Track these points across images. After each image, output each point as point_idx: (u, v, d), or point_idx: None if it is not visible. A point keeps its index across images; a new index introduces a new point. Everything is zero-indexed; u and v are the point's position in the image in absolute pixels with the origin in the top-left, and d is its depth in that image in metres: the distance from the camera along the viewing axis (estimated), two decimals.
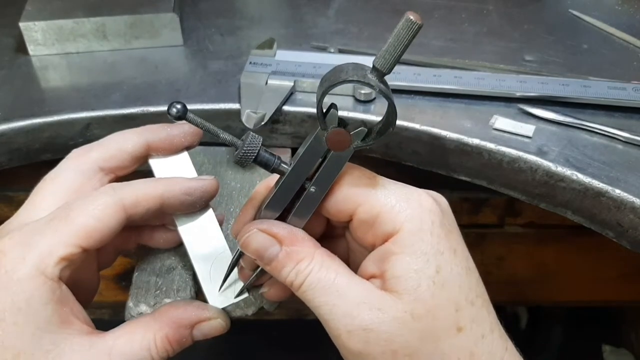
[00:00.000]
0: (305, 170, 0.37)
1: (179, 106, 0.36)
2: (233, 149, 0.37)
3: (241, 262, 0.42)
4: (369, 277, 0.37)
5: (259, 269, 0.41)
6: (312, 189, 0.37)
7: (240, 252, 0.41)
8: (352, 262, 0.41)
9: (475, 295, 0.36)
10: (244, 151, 0.37)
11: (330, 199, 0.38)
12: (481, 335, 0.36)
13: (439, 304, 0.35)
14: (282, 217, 0.39)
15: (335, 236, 0.42)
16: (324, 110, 0.36)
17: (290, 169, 0.37)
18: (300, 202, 0.38)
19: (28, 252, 0.36)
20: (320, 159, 0.37)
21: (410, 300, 0.35)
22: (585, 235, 0.68)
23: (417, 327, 0.35)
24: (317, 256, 0.37)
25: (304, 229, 0.39)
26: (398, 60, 0.33)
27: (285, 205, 0.38)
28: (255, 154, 0.37)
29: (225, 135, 0.37)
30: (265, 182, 0.41)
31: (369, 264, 0.38)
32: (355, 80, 0.33)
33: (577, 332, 1.11)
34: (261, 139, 0.38)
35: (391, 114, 0.35)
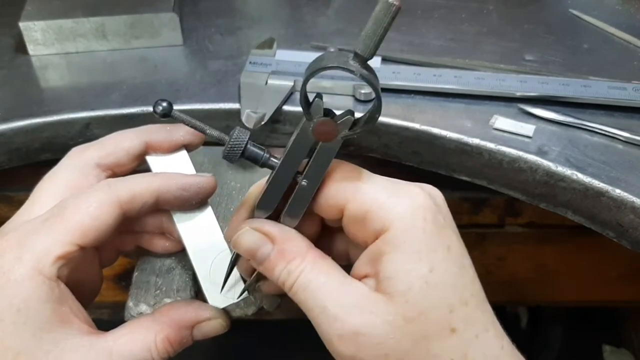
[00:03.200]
0: (295, 163, 0.36)
1: (164, 104, 0.36)
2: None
3: (236, 268, 0.42)
4: (362, 277, 0.36)
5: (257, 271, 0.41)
6: (304, 182, 0.36)
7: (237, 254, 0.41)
8: (352, 260, 0.40)
9: (470, 294, 0.35)
10: (230, 146, 0.37)
11: (320, 194, 0.37)
12: (475, 335, 0.35)
13: (432, 306, 0.34)
14: (275, 219, 0.38)
15: (335, 232, 0.42)
16: (310, 101, 0.35)
17: (279, 162, 0.37)
18: (292, 197, 0.37)
19: (25, 252, 0.36)
20: (310, 151, 0.36)
21: (402, 302, 0.34)
22: (585, 235, 0.68)
23: (409, 330, 0.34)
24: (309, 256, 0.36)
25: (296, 229, 0.38)
26: (379, 44, 0.32)
27: (277, 202, 0.38)
28: (242, 149, 0.37)
29: (213, 132, 0.37)
30: (258, 185, 0.40)
31: (362, 263, 0.37)
32: (335, 66, 0.32)
33: (577, 332, 1.11)
34: (249, 134, 0.37)
35: (376, 100, 0.34)
